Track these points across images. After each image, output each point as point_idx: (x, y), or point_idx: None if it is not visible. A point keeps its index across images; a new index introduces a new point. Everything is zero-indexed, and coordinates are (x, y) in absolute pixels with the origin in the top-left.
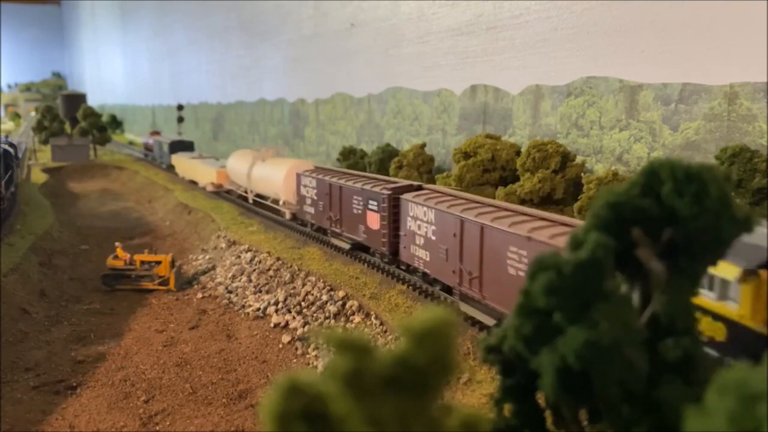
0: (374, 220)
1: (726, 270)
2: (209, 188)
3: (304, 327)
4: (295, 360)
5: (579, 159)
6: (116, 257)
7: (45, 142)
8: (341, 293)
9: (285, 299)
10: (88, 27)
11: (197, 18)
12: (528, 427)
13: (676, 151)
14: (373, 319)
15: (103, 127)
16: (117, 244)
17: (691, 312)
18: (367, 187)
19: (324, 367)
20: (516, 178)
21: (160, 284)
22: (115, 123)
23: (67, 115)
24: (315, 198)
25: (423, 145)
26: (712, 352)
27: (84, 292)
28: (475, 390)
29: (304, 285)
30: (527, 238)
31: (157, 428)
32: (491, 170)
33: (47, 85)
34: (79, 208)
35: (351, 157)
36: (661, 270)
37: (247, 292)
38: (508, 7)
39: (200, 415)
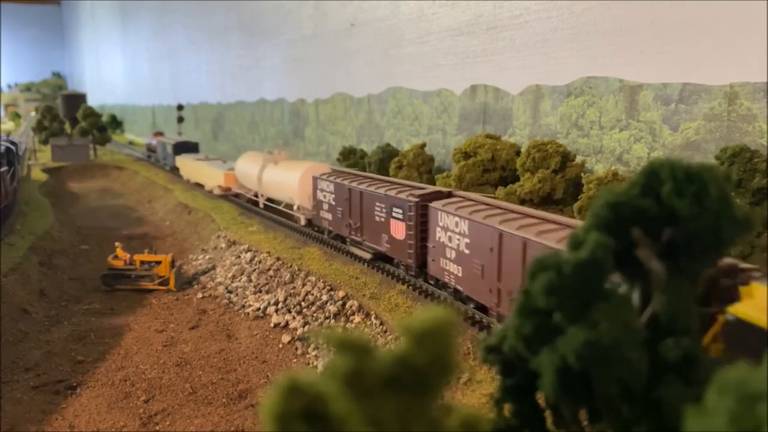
0: (399, 230)
1: None
2: (216, 191)
3: (304, 327)
4: (295, 360)
5: (579, 159)
6: (116, 257)
7: (45, 142)
8: (341, 293)
9: (285, 299)
10: (88, 27)
11: (197, 18)
12: (528, 427)
13: (676, 151)
14: (373, 319)
15: (103, 127)
16: (117, 244)
17: (691, 312)
18: (392, 193)
19: (324, 367)
20: (516, 178)
21: (160, 284)
22: (115, 123)
23: (67, 115)
24: (333, 203)
25: (423, 145)
26: None
27: (84, 292)
28: (475, 390)
29: (304, 285)
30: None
31: (157, 428)
32: (491, 170)
33: (47, 85)
34: (79, 208)
35: (351, 157)
36: (661, 270)
37: (247, 292)
38: (508, 7)
39: (200, 415)
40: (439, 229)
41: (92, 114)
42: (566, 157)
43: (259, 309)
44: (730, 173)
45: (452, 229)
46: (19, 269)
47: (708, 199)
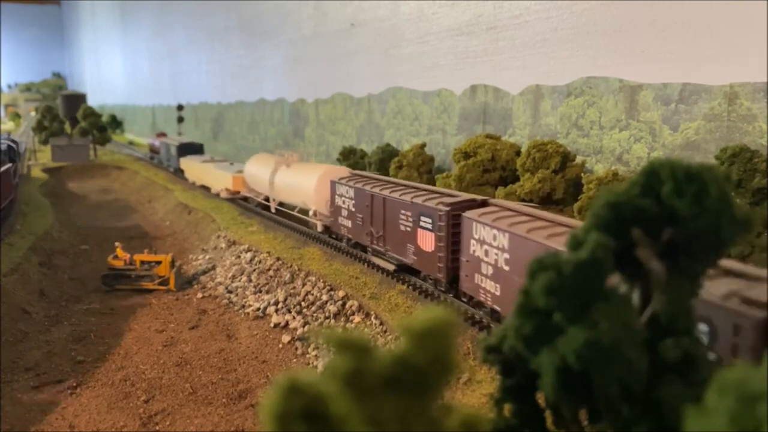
0: (427, 241)
1: None
2: (223, 195)
3: (304, 327)
4: (295, 360)
5: (579, 159)
6: (116, 257)
7: (45, 142)
8: (341, 293)
9: (285, 299)
10: (88, 27)
11: (197, 18)
12: (528, 427)
13: (676, 151)
14: (373, 319)
15: (103, 127)
16: (117, 244)
17: (691, 312)
18: (419, 200)
19: (324, 367)
20: (516, 178)
21: (160, 284)
22: (115, 123)
23: (67, 115)
24: (353, 210)
25: (423, 145)
26: None
27: (84, 292)
28: (475, 390)
29: (304, 285)
30: None
31: (157, 428)
32: (491, 170)
33: (47, 85)
34: (79, 208)
35: (351, 157)
36: (661, 270)
37: (247, 292)
38: (508, 7)
39: (200, 415)
40: (473, 241)
41: (92, 114)
42: (566, 157)
43: (259, 309)
44: (730, 173)
45: (489, 242)
46: (19, 269)
47: (708, 199)
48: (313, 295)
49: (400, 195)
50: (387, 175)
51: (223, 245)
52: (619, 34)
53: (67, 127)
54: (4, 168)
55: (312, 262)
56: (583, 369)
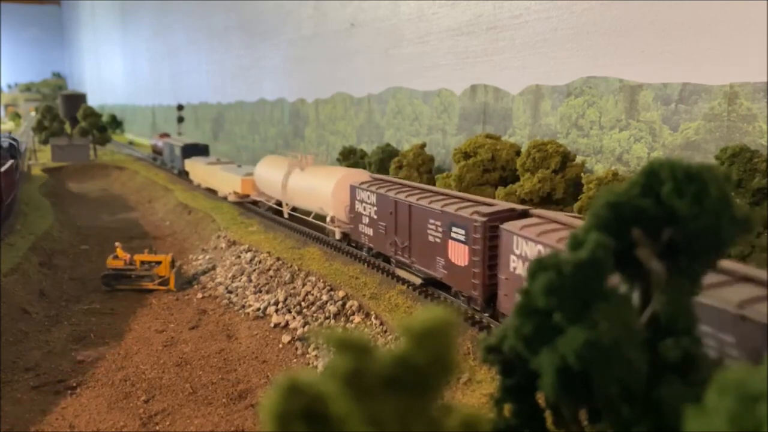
0: (460, 254)
1: None
2: (231, 198)
3: (304, 327)
4: (295, 360)
5: (579, 159)
6: (116, 257)
7: (45, 142)
8: (341, 293)
9: (285, 299)
10: (88, 27)
11: (197, 18)
12: (528, 427)
13: (676, 151)
14: (373, 319)
15: (103, 127)
16: (117, 244)
17: (691, 312)
18: (451, 209)
19: (324, 367)
20: (516, 178)
21: (160, 284)
22: (115, 123)
23: (67, 115)
24: (374, 217)
25: (423, 145)
26: None
27: (84, 292)
28: (475, 390)
29: (304, 285)
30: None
31: (157, 428)
32: (491, 170)
33: (47, 85)
34: (79, 208)
35: (351, 157)
36: (661, 270)
37: (247, 292)
38: (508, 7)
39: (200, 415)
40: (514, 257)
41: (92, 114)
42: (566, 157)
43: (259, 309)
44: (730, 173)
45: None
46: (19, 269)
47: (708, 199)
48: (313, 295)
49: (429, 202)
50: (387, 174)
51: (223, 245)
52: (619, 34)
53: (67, 127)
54: (7, 164)
55: (312, 262)
56: (583, 369)
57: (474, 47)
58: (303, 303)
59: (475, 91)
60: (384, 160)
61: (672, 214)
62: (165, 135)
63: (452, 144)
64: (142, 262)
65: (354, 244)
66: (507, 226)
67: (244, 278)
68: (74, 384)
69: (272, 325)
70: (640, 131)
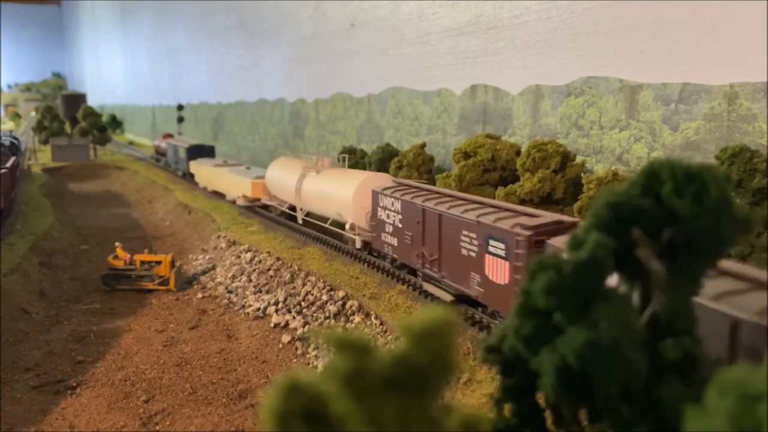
0: (499, 271)
1: None
2: (240, 202)
3: (304, 327)
4: (295, 360)
5: (579, 159)
6: (116, 257)
7: (45, 142)
8: (341, 293)
9: (285, 299)
10: (88, 27)
11: (197, 18)
12: (528, 427)
13: (676, 151)
14: (373, 319)
15: (103, 127)
16: (117, 244)
17: (691, 312)
18: (488, 219)
19: (324, 367)
20: (516, 178)
21: (160, 284)
22: (115, 123)
23: (67, 115)
24: (399, 226)
25: (423, 145)
26: None
27: (84, 292)
28: (475, 390)
29: (304, 285)
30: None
31: (157, 428)
32: (491, 170)
33: (47, 85)
34: (79, 208)
35: (351, 158)
36: (661, 270)
37: (247, 292)
38: (508, 7)
39: (200, 415)
40: None
41: (92, 114)
42: (566, 157)
43: (259, 309)
44: (730, 173)
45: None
46: (19, 269)
47: (708, 199)
48: (313, 295)
49: (462, 212)
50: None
51: (223, 245)
52: (619, 34)
53: (67, 127)
54: (9, 162)
55: (312, 262)
56: (583, 369)
57: (474, 47)
58: (303, 303)
59: (475, 91)
60: (384, 160)
61: (672, 214)
62: (168, 135)
63: (452, 144)
64: (142, 262)
65: (376, 254)
66: (555, 241)
67: (244, 278)
68: (74, 384)
69: (272, 325)
70: (640, 131)
